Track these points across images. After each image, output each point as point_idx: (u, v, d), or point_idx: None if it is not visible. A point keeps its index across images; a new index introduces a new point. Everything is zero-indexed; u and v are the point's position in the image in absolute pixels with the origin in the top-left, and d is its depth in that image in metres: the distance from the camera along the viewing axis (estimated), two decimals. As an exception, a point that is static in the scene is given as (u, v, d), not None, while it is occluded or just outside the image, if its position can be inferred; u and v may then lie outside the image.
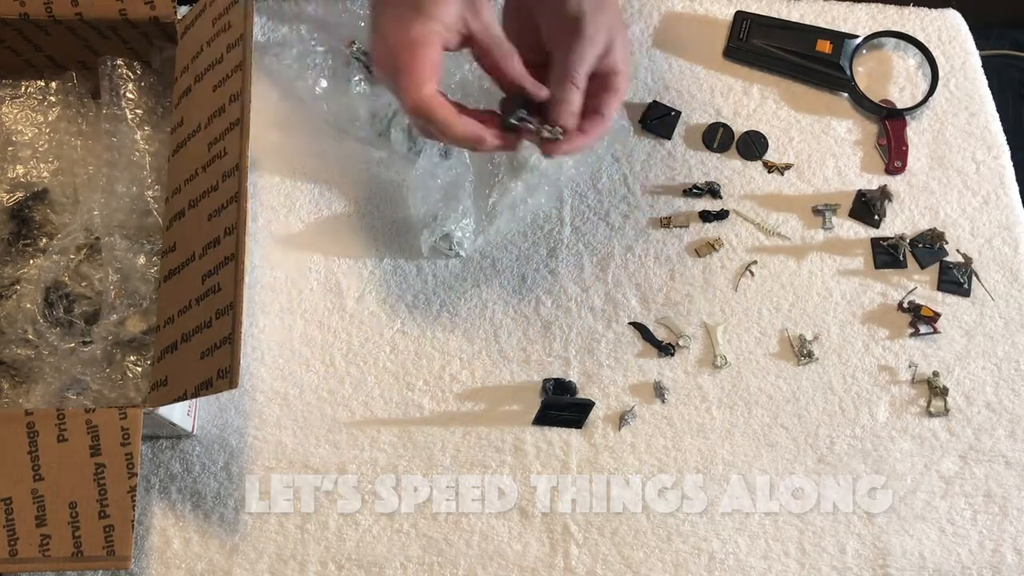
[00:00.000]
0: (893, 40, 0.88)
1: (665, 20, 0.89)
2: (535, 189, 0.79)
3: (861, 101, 0.85)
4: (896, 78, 0.87)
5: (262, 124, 0.82)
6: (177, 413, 0.69)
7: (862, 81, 0.86)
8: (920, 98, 0.85)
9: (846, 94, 0.86)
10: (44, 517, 0.59)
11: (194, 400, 0.73)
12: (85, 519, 0.59)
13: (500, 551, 0.71)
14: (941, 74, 0.86)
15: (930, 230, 0.81)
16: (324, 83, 0.80)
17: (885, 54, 0.88)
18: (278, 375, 0.76)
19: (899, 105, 0.85)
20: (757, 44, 0.86)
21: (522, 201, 0.79)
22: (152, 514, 0.71)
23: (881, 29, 0.88)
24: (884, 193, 0.81)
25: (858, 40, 0.85)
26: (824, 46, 0.84)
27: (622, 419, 0.75)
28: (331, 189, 0.81)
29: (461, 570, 0.71)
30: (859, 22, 0.88)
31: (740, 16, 0.86)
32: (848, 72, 0.84)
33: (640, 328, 0.77)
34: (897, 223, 0.81)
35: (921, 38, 0.87)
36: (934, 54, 0.86)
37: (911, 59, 0.88)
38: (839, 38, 0.85)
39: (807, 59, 0.85)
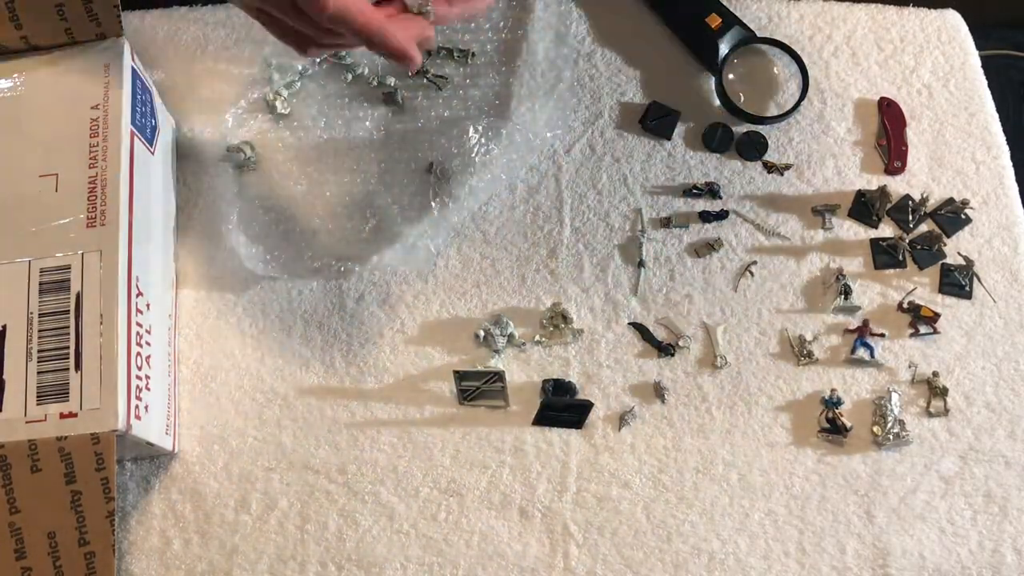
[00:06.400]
0: (773, 48, 0.86)
1: (665, 20, 0.89)
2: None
3: (722, 97, 0.83)
4: (770, 84, 0.86)
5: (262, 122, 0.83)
6: (154, 432, 0.68)
7: (732, 86, 0.84)
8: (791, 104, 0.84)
9: (713, 78, 0.84)
10: (23, 550, 0.58)
11: (174, 416, 0.73)
12: (65, 548, 0.58)
13: (500, 551, 0.71)
14: (941, 74, 0.86)
15: (929, 231, 0.81)
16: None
17: (762, 61, 0.86)
18: (278, 375, 0.76)
19: (771, 113, 0.84)
20: None
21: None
22: (152, 515, 0.71)
23: (893, 29, 0.87)
24: (884, 193, 0.81)
25: (745, 32, 0.84)
26: (714, 20, 0.82)
27: (622, 419, 0.75)
28: (329, 187, 0.81)
29: (461, 570, 0.71)
30: (859, 22, 0.88)
31: None
32: (719, 62, 0.83)
33: (640, 328, 0.77)
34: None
35: (921, 38, 0.87)
36: (933, 54, 0.86)
37: (788, 67, 0.86)
38: (732, 21, 0.83)
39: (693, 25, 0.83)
